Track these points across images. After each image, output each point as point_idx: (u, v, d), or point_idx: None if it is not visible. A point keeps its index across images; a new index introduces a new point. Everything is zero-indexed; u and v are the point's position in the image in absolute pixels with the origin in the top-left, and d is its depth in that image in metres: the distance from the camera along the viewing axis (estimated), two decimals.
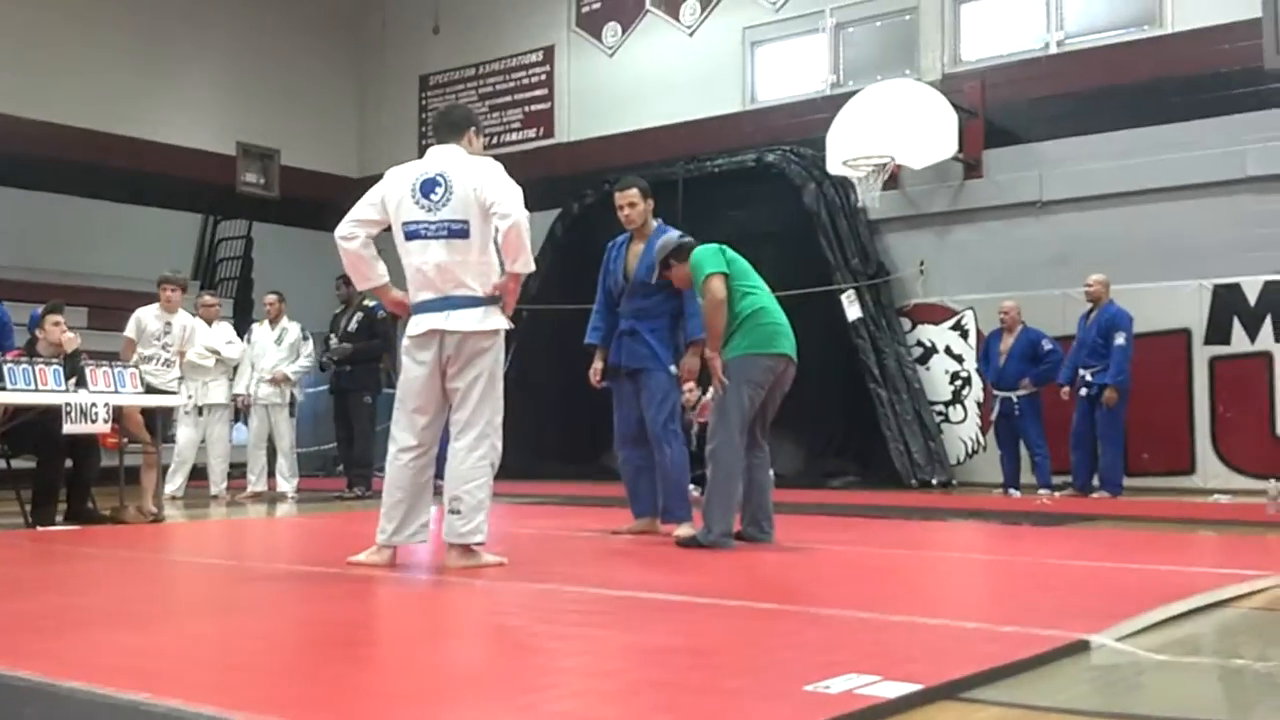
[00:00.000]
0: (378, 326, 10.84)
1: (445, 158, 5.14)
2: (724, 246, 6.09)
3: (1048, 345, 10.65)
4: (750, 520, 6.05)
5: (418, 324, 5.09)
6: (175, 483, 10.32)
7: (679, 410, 6.57)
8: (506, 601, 4.44)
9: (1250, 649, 3.58)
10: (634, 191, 6.61)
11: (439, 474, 5.20)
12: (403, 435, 5.15)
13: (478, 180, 5.01)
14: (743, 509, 6.03)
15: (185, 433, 10.50)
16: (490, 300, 5.06)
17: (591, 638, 3.56)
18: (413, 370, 5.12)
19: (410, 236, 5.06)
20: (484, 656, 3.37)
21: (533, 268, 5.09)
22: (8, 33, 14.06)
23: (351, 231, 5.14)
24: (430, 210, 5.02)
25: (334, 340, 10.83)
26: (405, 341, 5.18)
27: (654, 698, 2.72)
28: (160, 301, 9.48)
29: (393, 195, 5.12)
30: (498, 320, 5.08)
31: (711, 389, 6.17)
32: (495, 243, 5.09)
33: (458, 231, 5.00)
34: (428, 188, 5.04)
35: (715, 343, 5.85)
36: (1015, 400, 10.65)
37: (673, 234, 6.35)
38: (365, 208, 5.18)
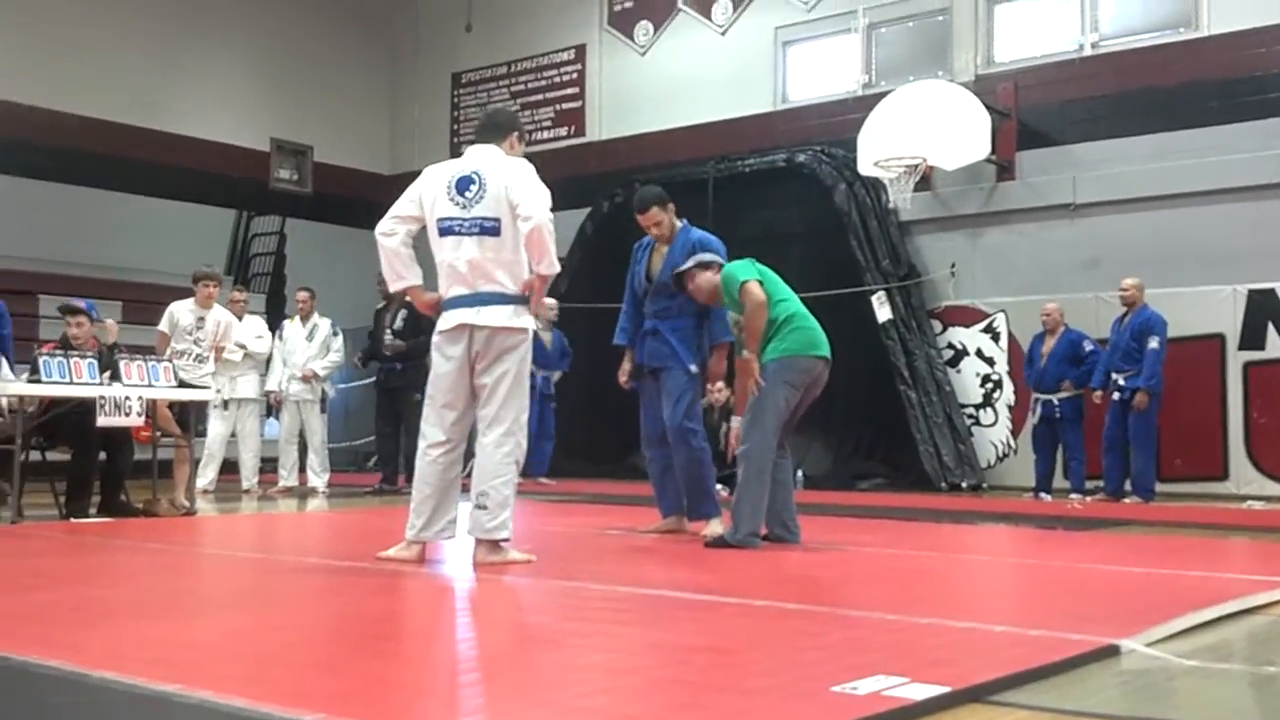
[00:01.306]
0: (424, 322, 10.84)
1: (482, 157, 5.20)
2: (753, 259, 6.09)
3: (1089, 346, 10.56)
4: (776, 521, 6.04)
5: (448, 319, 5.13)
6: (206, 477, 10.38)
7: (699, 409, 6.56)
8: (533, 598, 4.45)
9: None
10: (654, 210, 6.59)
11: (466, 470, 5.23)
12: (432, 431, 5.19)
13: (509, 179, 5.07)
14: (768, 510, 6.03)
15: (215, 427, 10.56)
16: (521, 299, 5.09)
17: (617, 635, 3.56)
18: (442, 366, 5.16)
19: (444, 233, 5.11)
20: (509, 652, 3.38)
21: (557, 269, 5.10)
22: (45, 30, 14.20)
23: (392, 228, 5.20)
24: (464, 207, 5.07)
25: (388, 336, 10.79)
26: (436, 337, 5.21)
27: (678, 696, 2.72)
28: (198, 297, 9.46)
29: (429, 192, 5.18)
30: (527, 320, 5.13)
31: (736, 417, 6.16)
32: None
33: (490, 229, 5.04)
34: (463, 185, 5.10)
35: (755, 344, 5.86)
36: (1057, 403, 10.56)
37: (703, 256, 6.36)
38: (405, 204, 5.23)
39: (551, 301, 11.56)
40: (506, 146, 5.28)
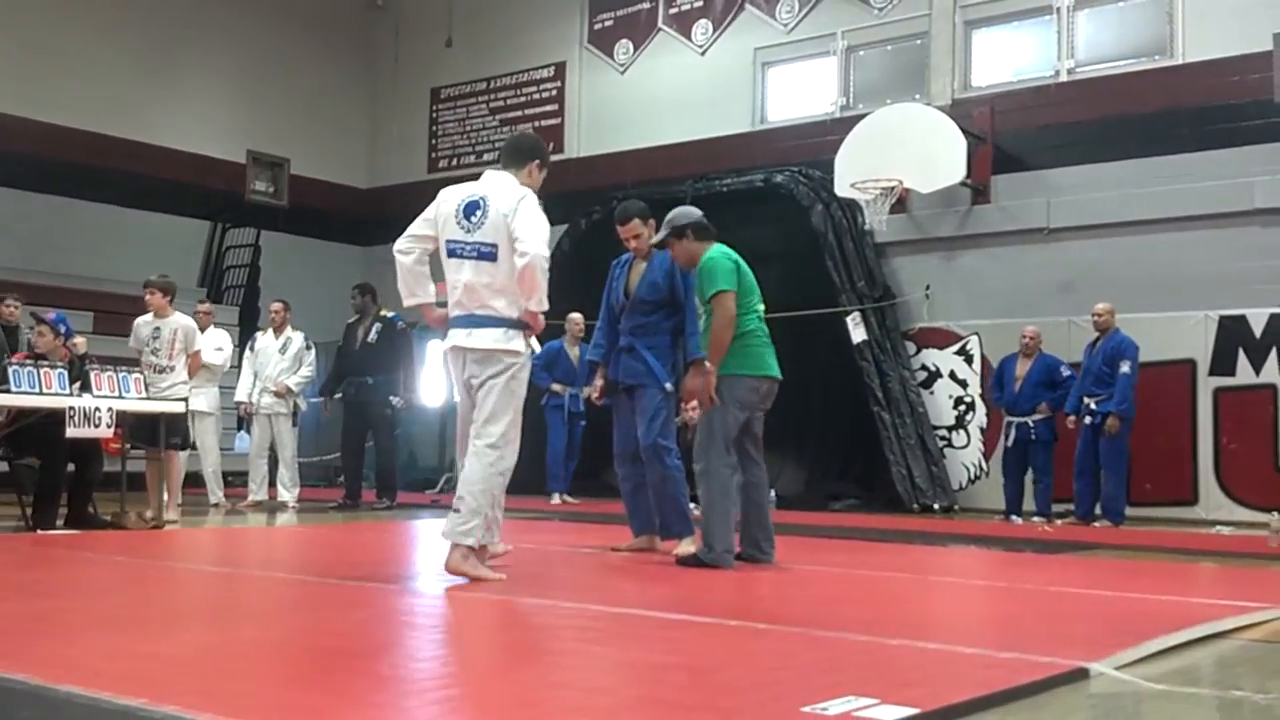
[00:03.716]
0: (398, 338, 10.86)
1: (493, 182, 5.34)
2: (738, 260, 6.09)
3: (1065, 371, 10.64)
4: (750, 541, 6.05)
5: (449, 339, 5.29)
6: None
7: (672, 427, 6.56)
8: (505, 617, 4.43)
9: (1250, 681, 3.57)
10: (635, 223, 6.64)
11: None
12: (461, 445, 5.34)
13: (510, 208, 5.18)
14: (742, 530, 6.04)
15: None
16: (514, 323, 5.19)
17: (588, 654, 3.55)
18: (452, 386, 5.46)
19: (450, 254, 5.27)
20: (482, 671, 3.36)
21: (546, 306, 5.22)
22: (20, 36, 14.13)
23: (408, 246, 5.36)
24: (469, 231, 5.21)
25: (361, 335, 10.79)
26: (442, 355, 5.43)
27: (650, 715, 2.71)
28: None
29: (442, 213, 5.33)
30: (519, 344, 5.21)
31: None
32: None
33: (486, 254, 5.18)
34: (470, 209, 5.24)
35: (718, 357, 5.88)
36: (1032, 425, 10.63)
37: (693, 210, 6.37)
38: (420, 224, 5.39)
39: (577, 316, 11.53)
40: (525, 174, 5.42)
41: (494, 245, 5.14)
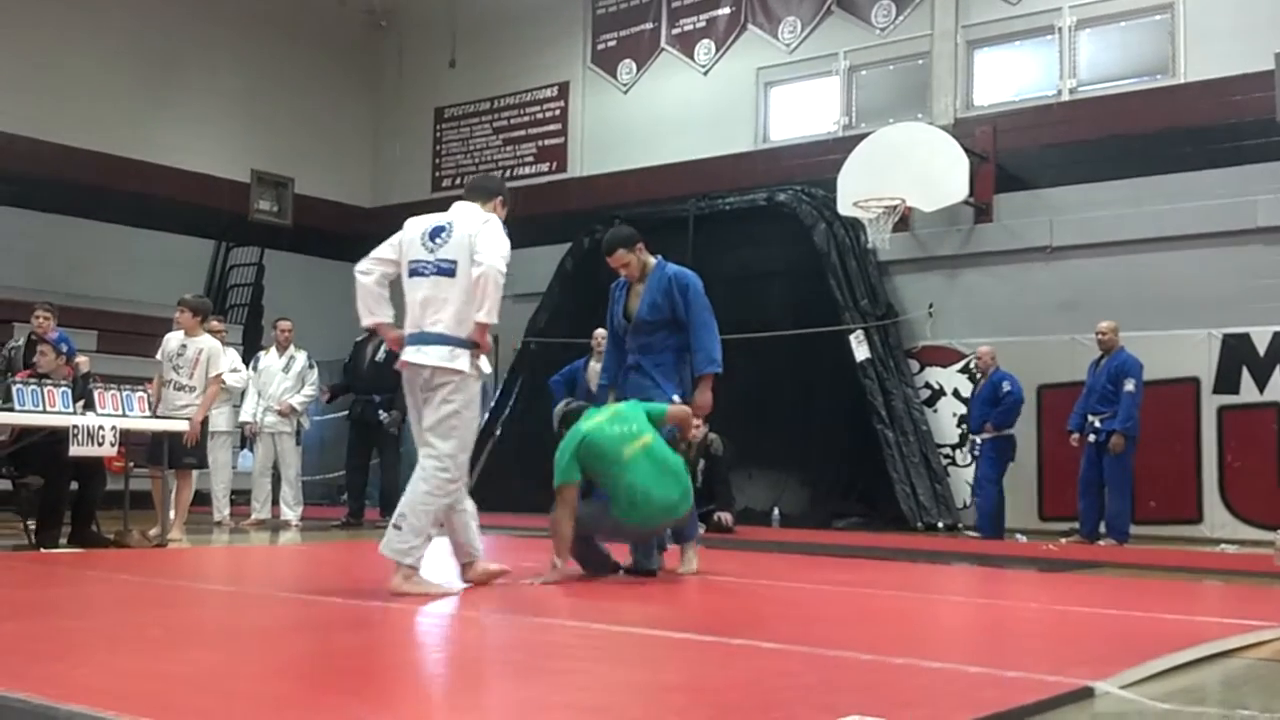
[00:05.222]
0: None
1: (459, 211, 5.54)
2: (581, 441, 5.94)
3: (1007, 387, 10.76)
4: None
5: (404, 355, 5.44)
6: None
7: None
8: (506, 635, 4.43)
9: (1255, 700, 3.56)
10: (620, 253, 6.58)
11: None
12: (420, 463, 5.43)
13: (475, 229, 5.38)
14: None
15: None
16: (462, 343, 5.29)
17: (590, 673, 3.54)
18: (409, 400, 5.50)
19: (411, 274, 5.45)
20: (483, 690, 3.35)
21: (495, 319, 5.32)
22: (25, 56, 14.18)
23: (369, 268, 5.55)
24: (431, 251, 5.40)
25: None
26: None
27: None
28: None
29: (407, 239, 5.52)
30: (464, 363, 5.30)
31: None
32: None
33: (446, 270, 5.35)
34: (435, 233, 5.45)
35: (560, 548, 5.92)
36: (978, 443, 10.80)
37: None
38: (385, 248, 5.56)
39: (602, 332, 11.49)
40: (490, 208, 5.59)
41: (454, 261, 5.32)
